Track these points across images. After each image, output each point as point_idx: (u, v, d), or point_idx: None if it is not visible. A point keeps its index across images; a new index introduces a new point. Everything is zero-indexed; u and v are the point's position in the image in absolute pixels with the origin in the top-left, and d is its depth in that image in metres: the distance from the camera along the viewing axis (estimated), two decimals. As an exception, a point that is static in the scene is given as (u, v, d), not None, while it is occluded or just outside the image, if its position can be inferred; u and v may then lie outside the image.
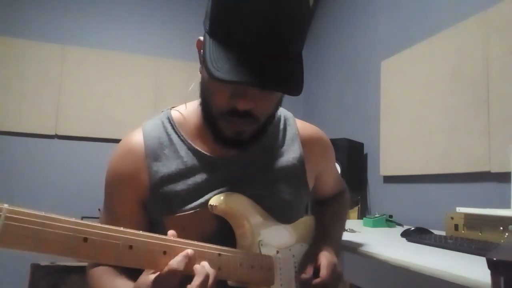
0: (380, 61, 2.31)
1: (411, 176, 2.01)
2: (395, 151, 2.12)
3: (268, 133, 0.79)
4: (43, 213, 0.46)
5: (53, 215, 0.47)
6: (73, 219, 0.49)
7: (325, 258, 0.76)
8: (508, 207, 1.27)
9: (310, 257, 0.78)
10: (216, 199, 0.71)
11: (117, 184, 0.77)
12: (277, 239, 0.78)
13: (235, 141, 0.72)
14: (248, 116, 0.67)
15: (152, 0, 3.26)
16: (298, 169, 0.84)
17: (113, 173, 0.78)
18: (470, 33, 1.68)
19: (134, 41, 3.16)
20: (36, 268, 2.43)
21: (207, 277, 0.57)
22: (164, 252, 0.56)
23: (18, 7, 2.90)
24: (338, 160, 2.29)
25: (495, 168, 1.51)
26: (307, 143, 0.87)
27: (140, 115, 3.08)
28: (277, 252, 0.77)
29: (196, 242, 0.62)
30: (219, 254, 0.64)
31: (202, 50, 0.67)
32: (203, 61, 0.66)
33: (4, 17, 2.86)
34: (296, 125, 0.89)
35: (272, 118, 0.76)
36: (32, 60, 2.86)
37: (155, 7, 3.26)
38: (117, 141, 0.82)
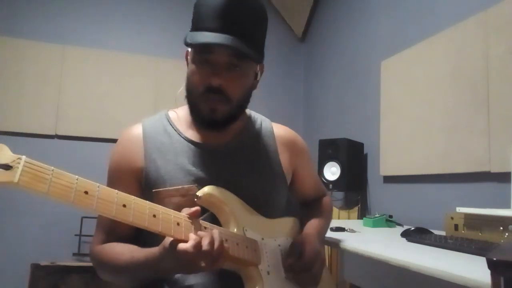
0: (380, 61, 2.31)
1: (411, 176, 2.01)
2: (395, 151, 2.12)
3: (247, 130, 0.95)
4: (52, 168, 0.56)
5: (61, 171, 0.57)
6: (76, 177, 0.58)
7: (309, 245, 0.84)
8: (508, 207, 1.28)
9: (295, 245, 0.86)
10: (201, 191, 0.78)
11: (118, 167, 0.88)
12: (261, 228, 0.84)
13: (210, 120, 0.84)
14: (220, 92, 0.81)
15: (152, 0, 3.26)
16: (274, 162, 0.95)
17: (115, 157, 0.89)
18: (470, 33, 1.68)
19: (134, 41, 3.16)
20: (36, 268, 2.44)
21: (212, 239, 0.65)
22: (154, 215, 0.65)
23: (18, 7, 2.90)
24: (338, 160, 2.29)
25: (495, 168, 1.51)
26: (281, 142, 0.98)
27: (140, 115, 3.05)
28: (262, 239, 0.83)
29: (183, 214, 0.69)
30: (205, 227, 0.70)
31: (189, 57, 0.87)
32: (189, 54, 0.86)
33: (4, 17, 2.86)
34: (272, 127, 1.01)
35: (241, 107, 0.90)
36: (32, 60, 2.86)
37: (155, 7, 3.26)
38: (117, 141, 0.88)
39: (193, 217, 0.69)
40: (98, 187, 0.59)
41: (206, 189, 0.78)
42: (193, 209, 0.70)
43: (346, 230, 1.46)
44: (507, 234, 1.10)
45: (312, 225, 0.97)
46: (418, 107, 1.96)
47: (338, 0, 3.00)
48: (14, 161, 0.52)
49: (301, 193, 1.07)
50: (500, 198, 1.43)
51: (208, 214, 0.81)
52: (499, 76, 1.52)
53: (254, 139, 0.95)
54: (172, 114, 0.95)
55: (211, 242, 0.65)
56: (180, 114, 0.94)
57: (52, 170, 0.55)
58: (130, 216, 0.61)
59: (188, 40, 0.79)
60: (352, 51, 2.75)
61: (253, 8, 0.82)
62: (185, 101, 0.90)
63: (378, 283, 1.23)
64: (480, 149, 1.57)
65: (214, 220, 0.79)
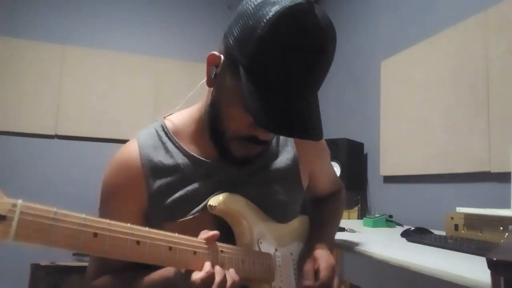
0: (380, 61, 2.31)
1: (411, 176, 2.01)
2: (395, 151, 2.12)
3: None
4: (55, 209, 0.48)
5: (65, 211, 0.49)
6: (83, 215, 0.51)
7: (324, 261, 0.77)
8: (508, 207, 1.27)
9: (307, 258, 0.79)
10: (215, 200, 0.72)
11: (115, 198, 0.77)
12: (275, 238, 0.80)
13: (242, 161, 0.75)
14: (263, 143, 0.73)
15: (152, 0, 3.26)
16: (293, 170, 0.85)
17: (110, 187, 0.77)
18: (470, 33, 1.68)
19: (134, 41, 3.16)
20: (36, 268, 2.44)
21: (224, 278, 0.61)
22: (170, 248, 0.59)
23: (18, 7, 2.90)
24: (338, 160, 2.29)
25: (495, 168, 1.51)
26: (299, 142, 0.88)
27: (140, 115, 3.09)
28: (276, 250, 0.79)
29: (199, 239, 0.65)
30: (221, 251, 0.67)
31: (218, 68, 0.69)
32: (237, 94, 0.64)
33: (4, 17, 2.86)
34: None
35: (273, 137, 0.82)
36: (32, 60, 2.86)
37: (155, 7, 3.26)
38: (117, 141, 0.83)
39: (210, 241, 0.65)
40: (109, 224, 0.53)
41: (221, 197, 0.73)
42: (211, 233, 0.65)
43: (346, 230, 1.46)
44: (507, 234, 1.10)
45: (324, 233, 0.89)
46: (418, 107, 1.96)
47: (338, 0, 3.00)
48: (9, 210, 0.44)
49: (316, 192, 1.00)
50: (500, 198, 1.43)
51: (222, 230, 0.74)
52: (499, 76, 1.52)
53: (271, 147, 0.84)
54: (170, 124, 0.81)
55: (223, 282, 0.60)
56: (180, 123, 0.81)
57: (55, 212, 0.48)
58: (145, 254, 0.56)
59: (261, 121, 0.60)
60: (352, 51, 2.75)
61: (332, 58, 0.66)
62: (195, 100, 0.81)
63: (378, 283, 1.23)
64: (480, 149, 1.57)
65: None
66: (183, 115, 0.83)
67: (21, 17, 2.90)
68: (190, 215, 0.73)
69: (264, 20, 0.58)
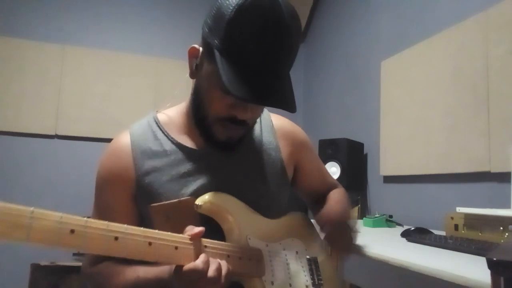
0: (380, 61, 2.31)
1: (411, 176, 2.01)
2: (395, 151, 2.12)
3: None
4: (32, 208, 0.51)
5: (42, 210, 0.52)
6: (60, 213, 0.53)
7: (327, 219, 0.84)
8: (508, 207, 1.28)
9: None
10: (201, 199, 0.74)
11: (107, 182, 0.81)
12: (265, 233, 0.81)
13: (226, 144, 0.80)
14: (243, 123, 0.76)
15: (152, 0, 3.27)
16: (276, 159, 0.89)
17: (103, 171, 0.83)
18: (470, 33, 1.68)
19: (134, 41, 3.17)
20: (36, 268, 2.43)
21: (219, 265, 0.64)
22: (150, 243, 0.60)
23: (18, 7, 2.90)
24: (338, 160, 2.29)
25: (495, 168, 1.51)
26: (281, 134, 0.93)
27: (140, 115, 3.08)
28: (267, 245, 0.80)
29: (182, 235, 0.66)
30: (205, 246, 0.67)
31: (198, 59, 0.76)
32: (215, 77, 0.69)
33: (4, 17, 2.86)
34: (271, 119, 0.96)
35: (255, 122, 0.86)
36: (32, 60, 2.86)
37: (155, 7, 3.26)
38: (104, 152, 0.85)
39: (195, 238, 0.66)
40: (86, 221, 0.55)
41: (207, 196, 0.74)
42: (197, 230, 0.66)
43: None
44: (507, 234, 1.11)
45: (329, 205, 0.92)
46: (418, 107, 1.96)
47: (338, 0, 3.00)
48: None
49: (308, 189, 1.00)
50: (500, 198, 1.43)
51: (208, 220, 0.76)
52: (499, 76, 1.52)
53: (255, 137, 0.88)
54: (161, 116, 0.87)
55: (218, 269, 0.63)
56: (171, 116, 0.87)
57: (32, 211, 0.50)
58: (125, 250, 0.58)
59: (232, 89, 0.64)
60: (352, 51, 2.75)
61: (298, 38, 0.73)
62: (181, 101, 0.85)
63: (378, 283, 1.22)
64: (480, 149, 1.57)
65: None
66: (173, 110, 0.89)
67: (21, 17, 2.90)
68: (174, 199, 0.76)
69: (231, 6, 0.66)
